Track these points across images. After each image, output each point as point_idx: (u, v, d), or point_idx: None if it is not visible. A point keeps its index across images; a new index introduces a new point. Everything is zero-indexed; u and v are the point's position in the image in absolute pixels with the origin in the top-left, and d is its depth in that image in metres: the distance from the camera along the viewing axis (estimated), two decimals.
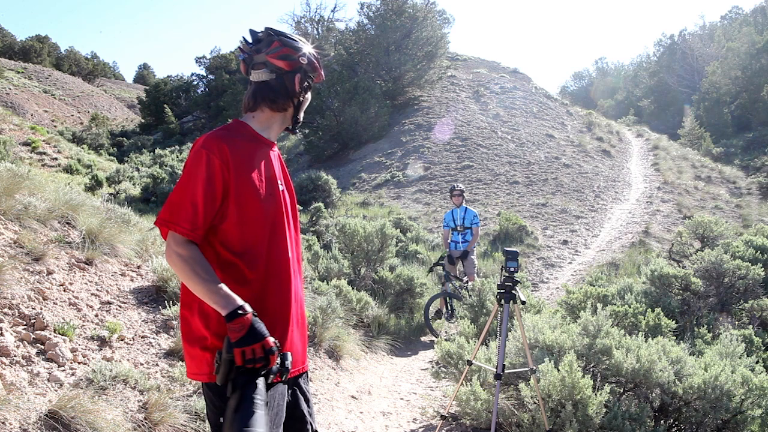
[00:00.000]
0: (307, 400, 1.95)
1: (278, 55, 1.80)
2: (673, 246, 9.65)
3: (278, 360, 1.59)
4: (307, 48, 1.87)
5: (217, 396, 1.65)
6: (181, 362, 3.61)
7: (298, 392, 1.92)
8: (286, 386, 1.83)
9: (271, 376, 1.57)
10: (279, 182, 1.85)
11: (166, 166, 19.25)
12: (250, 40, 1.85)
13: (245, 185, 1.71)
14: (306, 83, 1.88)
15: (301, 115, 1.94)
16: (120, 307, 3.94)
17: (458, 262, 7.84)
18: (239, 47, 1.88)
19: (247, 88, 1.90)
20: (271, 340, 1.56)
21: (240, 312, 1.55)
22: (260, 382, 1.53)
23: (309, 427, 1.92)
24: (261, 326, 1.57)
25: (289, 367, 1.62)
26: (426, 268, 9.50)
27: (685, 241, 9.45)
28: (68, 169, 15.89)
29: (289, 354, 1.65)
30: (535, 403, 3.55)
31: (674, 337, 4.48)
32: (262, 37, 1.83)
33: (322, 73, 1.94)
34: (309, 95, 1.93)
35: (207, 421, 1.79)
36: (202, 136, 1.77)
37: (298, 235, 1.95)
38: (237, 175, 1.70)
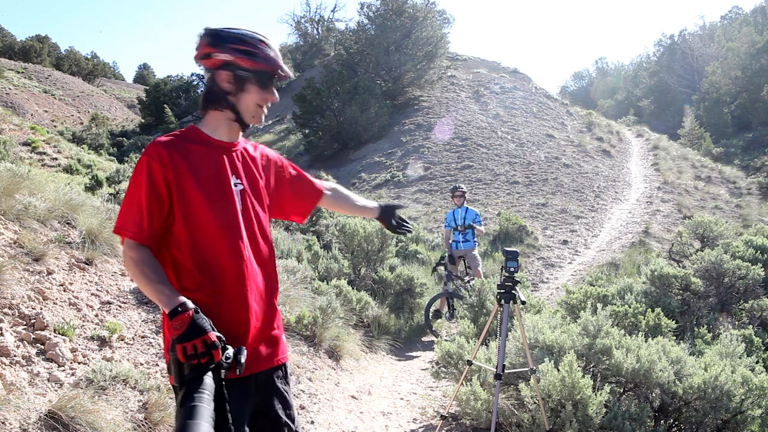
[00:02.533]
0: (284, 401, 1.88)
1: (200, 54, 1.77)
2: (673, 246, 9.65)
3: (229, 354, 1.57)
4: (237, 43, 1.73)
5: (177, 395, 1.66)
6: None
7: (273, 394, 1.86)
8: (252, 384, 1.79)
9: (223, 371, 1.56)
10: (234, 183, 1.80)
11: None
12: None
13: (187, 188, 1.72)
14: (240, 78, 1.75)
15: (247, 115, 1.80)
16: (120, 307, 3.94)
17: (459, 261, 7.88)
18: None
19: None
20: (213, 334, 1.54)
21: (180, 309, 1.55)
22: (207, 377, 1.52)
23: (285, 429, 1.86)
24: (202, 322, 1.55)
25: (243, 363, 1.60)
26: (426, 268, 9.52)
27: (685, 241, 9.45)
28: (68, 169, 15.87)
29: (243, 349, 1.62)
30: (535, 403, 3.55)
31: (674, 337, 4.48)
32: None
33: (270, 65, 1.75)
34: (256, 91, 1.78)
35: None
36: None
37: (265, 231, 1.89)
38: (178, 178, 1.71)
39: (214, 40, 1.75)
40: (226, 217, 1.76)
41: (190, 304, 1.58)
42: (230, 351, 1.58)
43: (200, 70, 1.88)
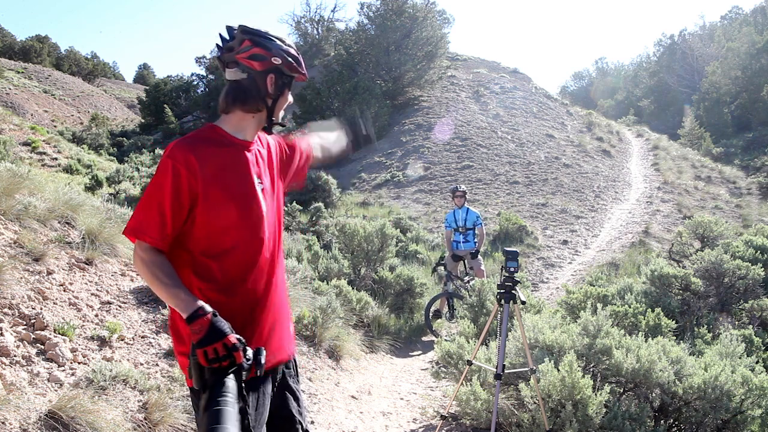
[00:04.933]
0: (296, 399, 1.91)
1: (248, 55, 1.74)
2: (673, 246, 9.65)
3: (249, 355, 1.57)
4: (284, 47, 1.78)
5: (198, 398, 1.64)
6: None
7: (287, 392, 1.89)
8: (270, 383, 1.81)
9: (244, 372, 1.55)
10: (257, 183, 1.80)
11: None
12: (226, 36, 1.78)
13: (214, 193, 1.70)
14: (281, 82, 1.80)
15: (279, 115, 1.87)
16: (120, 307, 3.94)
17: (460, 261, 7.89)
18: (216, 44, 1.80)
19: None
20: (233, 337, 1.54)
21: (200, 313, 1.55)
22: (229, 380, 1.51)
23: (299, 426, 1.88)
24: (221, 324, 1.55)
25: (263, 362, 1.60)
26: (426, 268, 9.52)
27: (685, 241, 9.45)
28: (68, 169, 15.86)
29: (263, 349, 1.62)
30: (535, 403, 3.55)
31: (674, 337, 4.48)
32: (235, 35, 1.76)
33: (304, 71, 1.84)
34: (288, 95, 1.86)
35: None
36: (171, 143, 1.74)
37: (280, 227, 1.91)
38: (204, 183, 1.68)
39: (265, 42, 1.75)
40: (252, 220, 1.77)
41: (208, 308, 1.57)
42: (250, 352, 1.58)
43: (200, 69, 1.86)
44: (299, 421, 1.88)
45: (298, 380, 1.97)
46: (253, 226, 1.77)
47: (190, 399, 3.25)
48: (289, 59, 1.78)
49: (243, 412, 1.58)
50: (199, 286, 1.71)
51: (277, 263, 1.87)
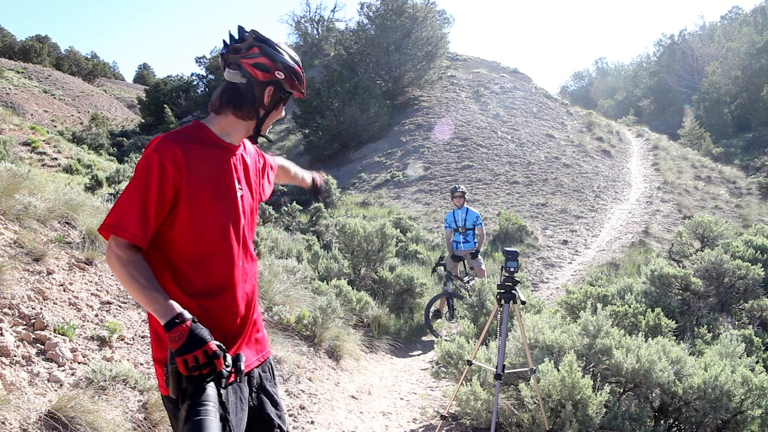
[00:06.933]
0: (274, 403, 1.89)
1: (253, 62, 1.73)
2: (673, 246, 9.65)
3: (229, 362, 1.54)
4: (290, 63, 1.78)
5: (176, 407, 1.58)
6: None
7: (264, 395, 1.87)
8: (247, 388, 1.79)
9: (223, 380, 1.53)
10: (238, 188, 1.78)
11: None
12: (236, 36, 1.76)
13: (197, 193, 1.67)
14: (278, 97, 1.80)
15: (265, 129, 1.84)
16: (120, 307, 3.94)
17: (460, 261, 7.89)
18: (223, 40, 1.78)
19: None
20: (213, 344, 1.50)
21: (178, 320, 1.50)
22: (210, 387, 1.49)
23: (277, 430, 1.86)
24: (201, 332, 1.51)
25: (243, 369, 1.58)
26: (426, 268, 9.52)
27: (685, 241, 9.45)
28: (68, 169, 15.86)
29: (242, 355, 1.60)
30: (535, 403, 3.55)
31: (674, 337, 4.48)
32: (246, 38, 1.75)
33: (303, 90, 1.84)
34: (282, 110, 1.86)
35: None
36: (155, 137, 1.68)
37: (252, 233, 1.91)
38: (189, 182, 1.64)
39: (273, 54, 1.75)
40: (231, 225, 1.75)
41: (188, 314, 1.53)
42: (229, 359, 1.55)
43: (200, 69, 1.85)
44: (278, 424, 1.86)
45: (275, 383, 1.94)
46: (232, 230, 1.75)
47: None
48: (292, 76, 1.78)
49: (224, 420, 1.56)
50: (177, 291, 1.68)
51: (251, 269, 1.87)
